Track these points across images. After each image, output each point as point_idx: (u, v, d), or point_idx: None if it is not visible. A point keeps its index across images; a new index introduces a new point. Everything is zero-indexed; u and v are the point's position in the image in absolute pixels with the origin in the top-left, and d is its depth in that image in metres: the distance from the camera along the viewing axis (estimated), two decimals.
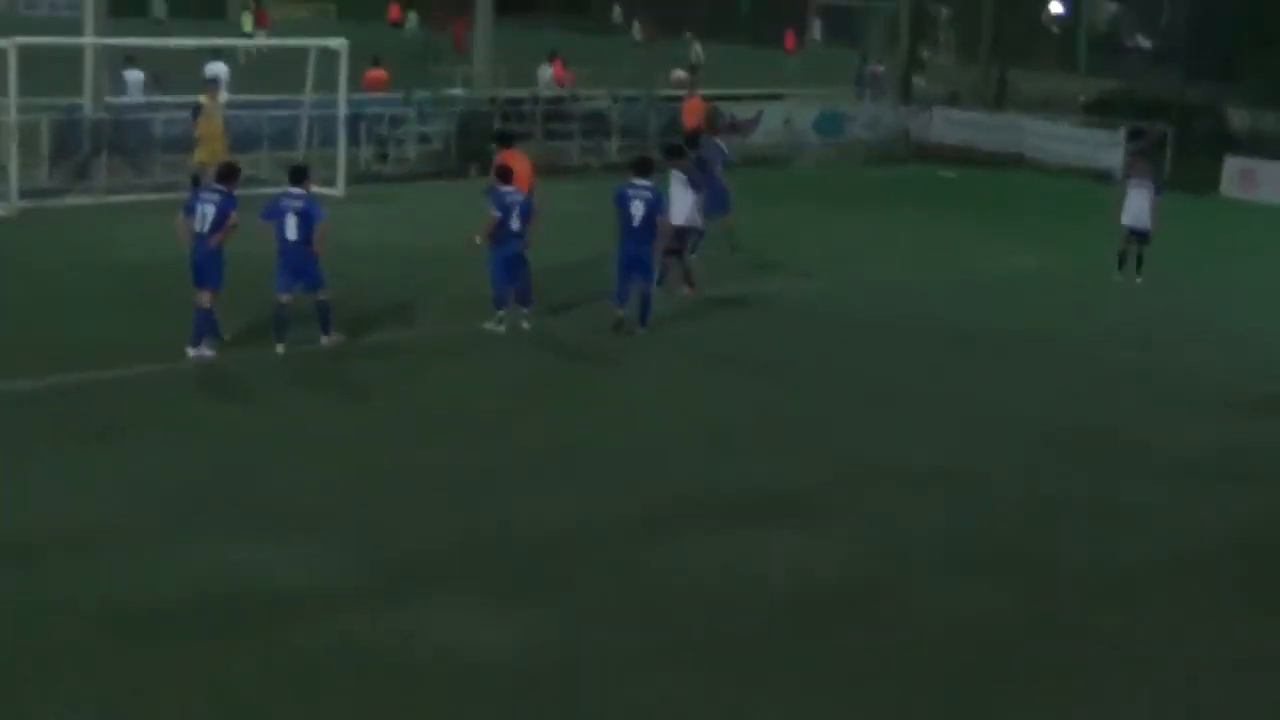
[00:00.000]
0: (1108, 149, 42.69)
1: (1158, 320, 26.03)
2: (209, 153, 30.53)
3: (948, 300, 26.43)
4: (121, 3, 37.59)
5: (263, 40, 41.77)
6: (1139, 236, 28.39)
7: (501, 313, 22.42)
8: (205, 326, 20.40)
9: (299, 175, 21.33)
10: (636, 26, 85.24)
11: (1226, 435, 19.67)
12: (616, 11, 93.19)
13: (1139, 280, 28.25)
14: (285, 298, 20.74)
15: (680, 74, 47.77)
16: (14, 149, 29.53)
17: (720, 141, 29.95)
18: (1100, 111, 47.40)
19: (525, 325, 22.53)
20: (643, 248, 22.68)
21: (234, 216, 20.19)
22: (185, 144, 31.67)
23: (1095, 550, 15.53)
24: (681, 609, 13.56)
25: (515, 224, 22.14)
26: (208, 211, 20.26)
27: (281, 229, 20.65)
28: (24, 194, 29.51)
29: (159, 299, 22.81)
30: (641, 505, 16.01)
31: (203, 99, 31.78)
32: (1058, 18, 73.36)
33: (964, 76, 51.39)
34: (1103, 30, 76.16)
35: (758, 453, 17.89)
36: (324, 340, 21.13)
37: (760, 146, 43.25)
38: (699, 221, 25.40)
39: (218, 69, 37.47)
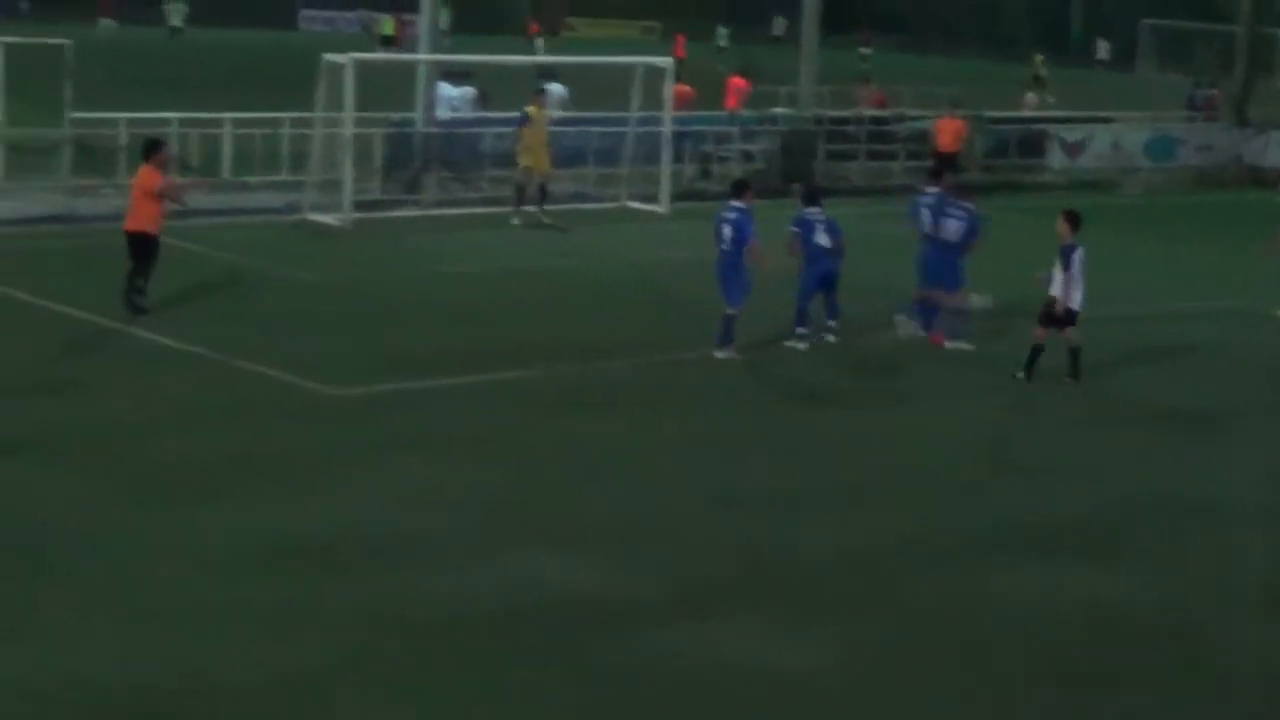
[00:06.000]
0: None
1: None
2: (533, 160, 31.23)
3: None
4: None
5: (586, 58, 41.95)
6: None
7: (804, 330, 22.34)
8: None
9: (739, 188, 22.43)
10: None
11: None
12: None
13: None
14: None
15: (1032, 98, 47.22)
16: (349, 162, 30.42)
17: None
18: None
19: (831, 339, 22.50)
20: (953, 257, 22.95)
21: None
22: (512, 159, 32.32)
23: None
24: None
25: (825, 241, 22.25)
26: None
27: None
28: (358, 206, 30.45)
29: (502, 311, 23.74)
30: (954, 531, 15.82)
31: (530, 109, 32.22)
32: None
33: None
34: None
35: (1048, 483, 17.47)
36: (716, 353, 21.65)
37: (1089, 170, 42.63)
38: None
39: (555, 89, 37.60)
